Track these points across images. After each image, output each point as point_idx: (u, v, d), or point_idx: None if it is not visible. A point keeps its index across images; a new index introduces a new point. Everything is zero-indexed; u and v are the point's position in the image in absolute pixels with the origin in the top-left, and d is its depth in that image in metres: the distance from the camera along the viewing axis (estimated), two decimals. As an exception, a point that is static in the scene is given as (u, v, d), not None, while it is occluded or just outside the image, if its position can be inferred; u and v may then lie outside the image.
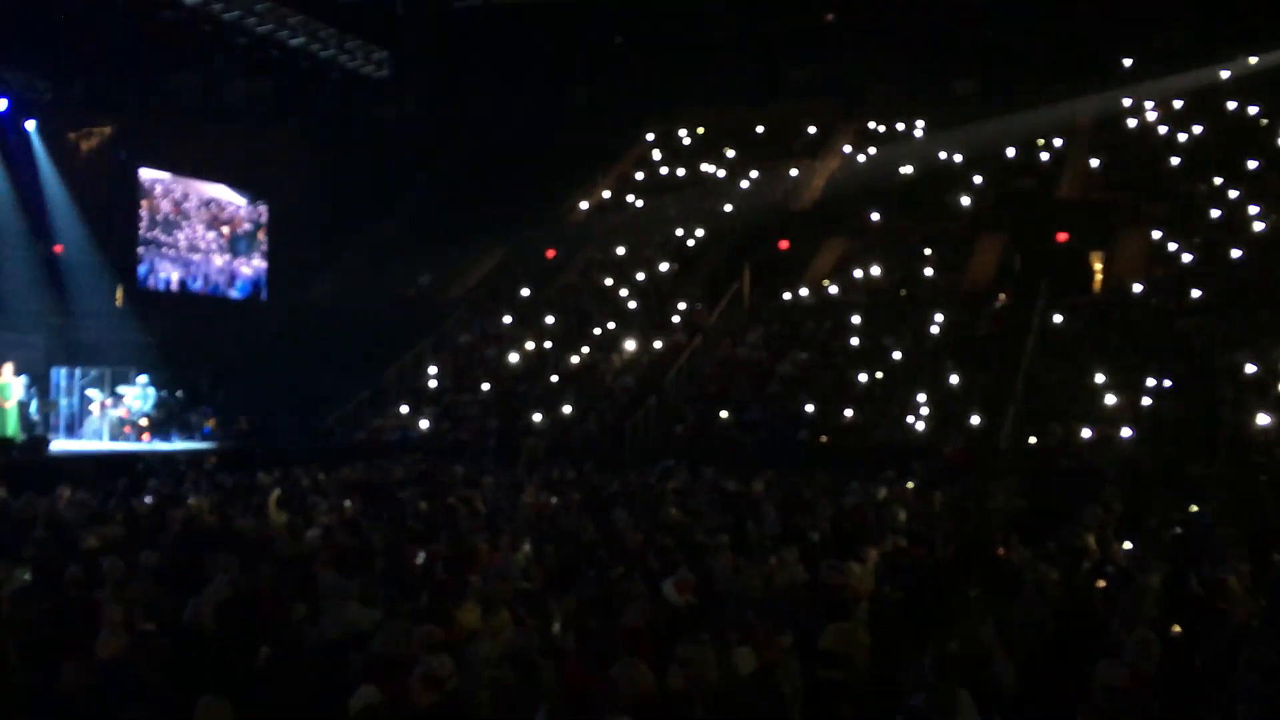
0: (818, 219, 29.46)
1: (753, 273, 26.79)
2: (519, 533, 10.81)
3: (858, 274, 26.21)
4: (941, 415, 19.91)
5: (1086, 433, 18.60)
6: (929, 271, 25.72)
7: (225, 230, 28.63)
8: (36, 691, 6.10)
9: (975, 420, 19.40)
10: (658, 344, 24.99)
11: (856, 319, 24.11)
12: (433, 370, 25.66)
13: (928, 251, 26.55)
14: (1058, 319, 22.73)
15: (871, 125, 33.55)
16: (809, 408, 21.03)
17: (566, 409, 22.59)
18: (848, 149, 32.79)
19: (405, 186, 29.94)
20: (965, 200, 28.22)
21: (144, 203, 26.45)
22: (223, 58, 23.37)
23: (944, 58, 32.54)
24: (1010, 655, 6.90)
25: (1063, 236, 25.97)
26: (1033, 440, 18.94)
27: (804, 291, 26.10)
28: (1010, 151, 29.93)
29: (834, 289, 26.06)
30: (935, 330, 23.10)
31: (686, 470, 16.85)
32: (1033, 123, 29.67)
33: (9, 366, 19.07)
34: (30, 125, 23.69)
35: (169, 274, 27.20)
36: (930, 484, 15.25)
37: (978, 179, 29.22)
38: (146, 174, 26.60)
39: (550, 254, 30.88)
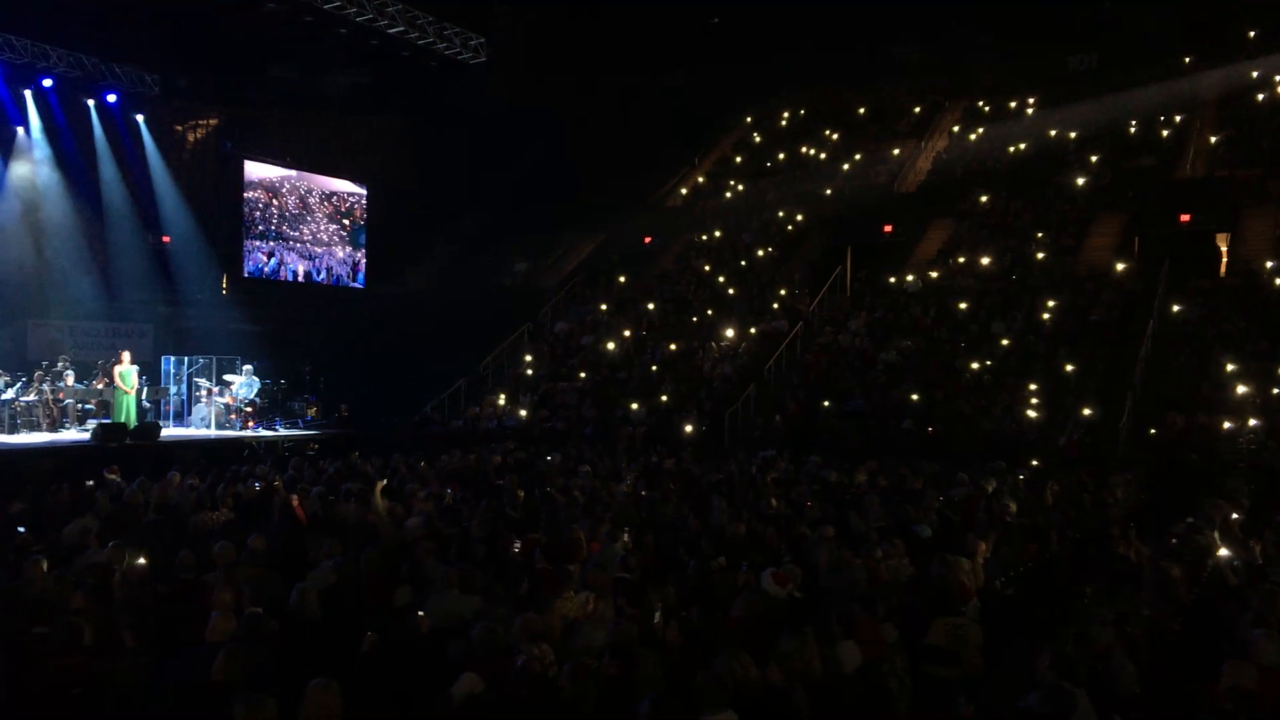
0: (923, 202, 28.83)
1: (855, 258, 26.29)
2: (618, 522, 10.74)
3: (965, 258, 25.52)
4: (1055, 405, 19.25)
5: (1212, 424, 17.78)
6: (1041, 255, 24.90)
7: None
8: (150, 672, 6.19)
9: (1091, 410, 18.71)
10: (754, 330, 24.71)
11: (964, 305, 23.50)
12: (529, 358, 25.80)
13: (1040, 234, 25.72)
14: (1179, 304, 21.79)
15: (980, 104, 32.70)
16: (914, 396, 20.55)
17: (664, 397, 22.48)
18: (955, 129, 32.00)
19: (502, 173, 30.13)
20: (1081, 180, 27.27)
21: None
22: (323, 48, 23.74)
23: (1059, 32, 31.47)
24: (1131, 654, 6.59)
25: (1185, 217, 24.88)
26: (1152, 431, 18.18)
27: (908, 277, 25.53)
28: (1129, 128, 28.84)
29: (940, 274, 25.42)
30: (1048, 316, 22.37)
31: (787, 460, 16.61)
32: (1153, 98, 28.53)
33: (127, 354, 19.71)
34: (139, 118, 24.44)
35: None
36: (1043, 476, 14.74)
37: (1094, 157, 28.23)
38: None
39: (647, 240, 30.82)
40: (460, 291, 28.63)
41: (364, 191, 29.51)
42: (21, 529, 10.20)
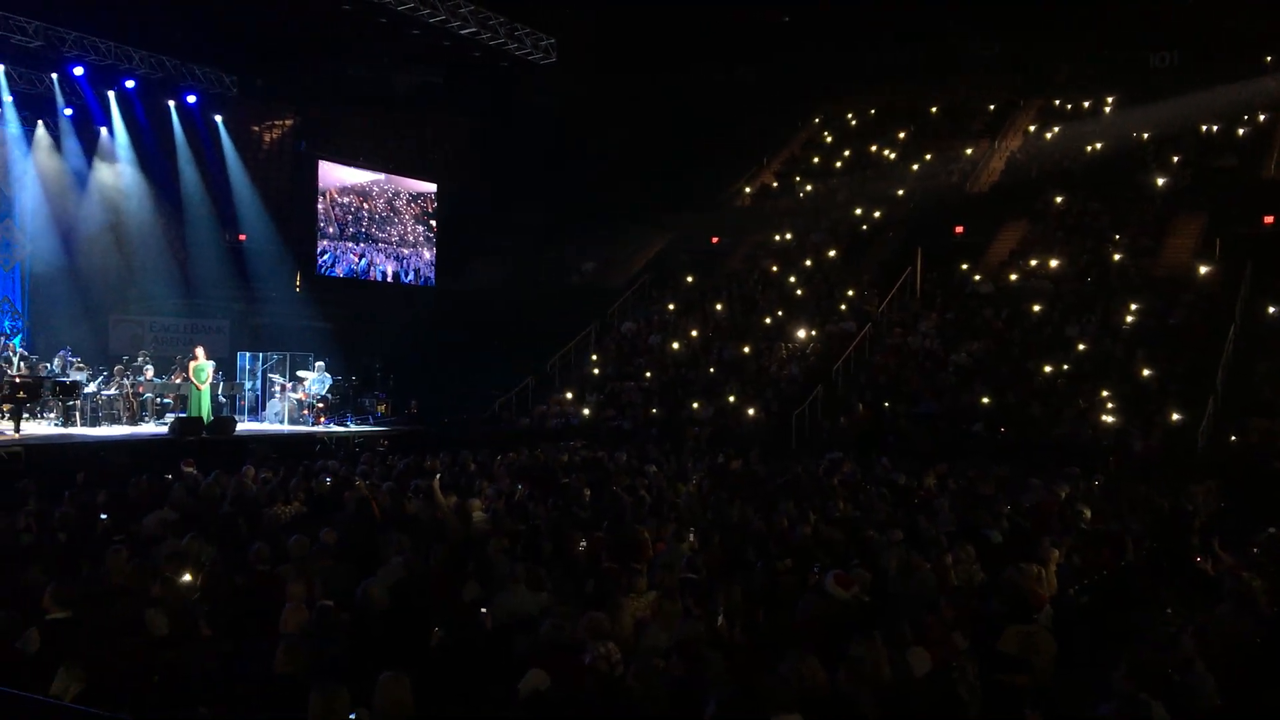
0: (996, 202, 28.43)
1: (925, 259, 25.98)
2: (684, 522, 10.73)
3: (1039, 260, 25.08)
4: (1132, 410, 18.84)
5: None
6: (1119, 257, 24.38)
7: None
8: (226, 661, 6.31)
9: (1170, 416, 18.28)
10: (818, 332, 24.54)
11: (1037, 307, 23.11)
12: (595, 357, 25.89)
13: (1118, 235, 25.19)
14: (1272, 306, 21.20)
15: (1056, 102, 32.13)
16: (985, 400, 20.25)
17: (730, 398, 22.42)
18: (1030, 128, 31.48)
19: (570, 173, 30.27)
20: (1160, 180, 26.64)
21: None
22: (396, 48, 24.05)
23: (1139, 29, 30.77)
24: (1210, 667, 6.42)
25: (1269, 219, 24.19)
26: (1234, 438, 17.70)
27: (980, 278, 25.16)
28: (1210, 127, 28.11)
29: (1013, 275, 25.01)
30: (1126, 319, 21.90)
31: (854, 462, 16.47)
32: (1235, 96, 27.80)
33: (201, 350, 20.14)
34: (218, 119, 24.97)
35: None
36: (1119, 482, 14.44)
37: (1174, 157, 27.59)
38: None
39: (715, 240, 30.76)
40: (529, 290, 28.85)
41: (434, 189, 29.99)
42: (105, 515, 10.48)
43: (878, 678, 6.03)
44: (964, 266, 25.78)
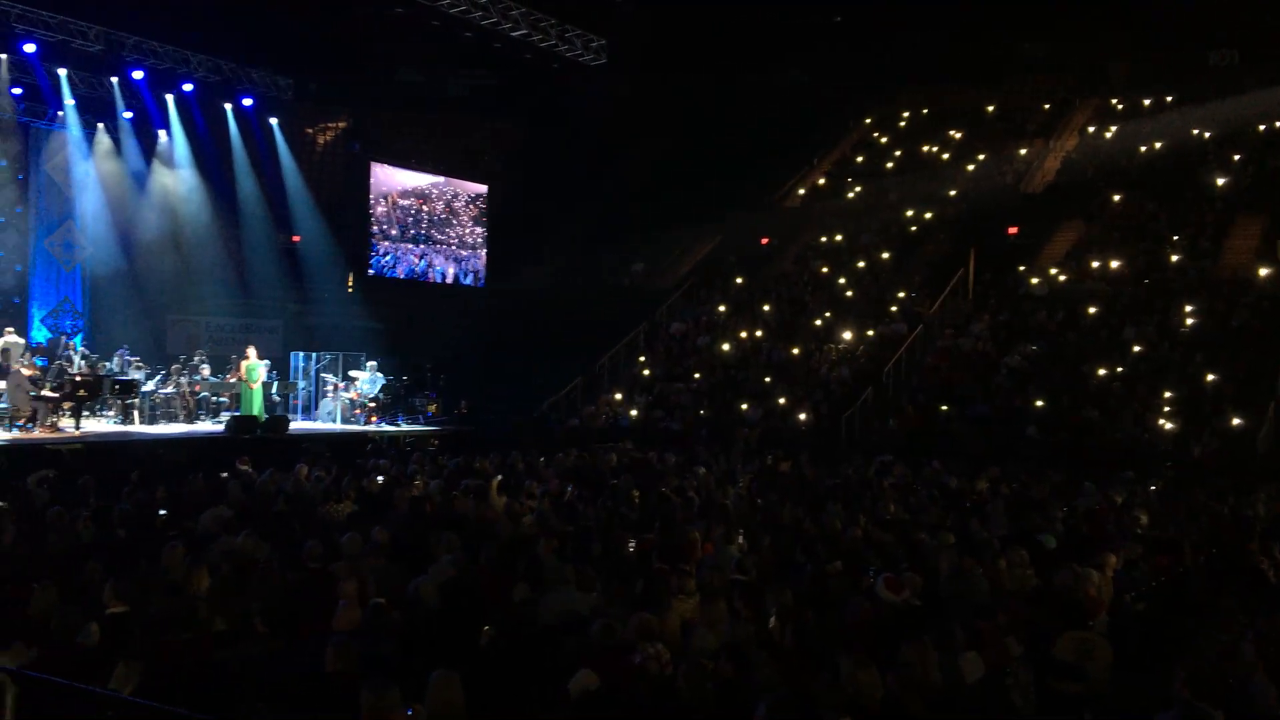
0: (1051, 202, 28.05)
1: (978, 260, 25.68)
2: (733, 524, 10.69)
3: (1095, 261, 24.71)
4: (1191, 414, 18.50)
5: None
6: (1177, 258, 23.94)
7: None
8: (279, 658, 6.38)
9: (1229, 420, 17.92)
10: (872, 333, 24.37)
11: (1093, 309, 22.76)
12: (644, 358, 25.90)
13: (1176, 236, 24.73)
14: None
15: (1113, 102, 31.63)
16: (1039, 403, 19.99)
17: (780, 399, 22.33)
18: (1087, 128, 31.03)
19: (620, 174, 30.34)
20: (1220, 180, 26.13)
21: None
22: (448, 51, 24.24)
23: (1198, 27, 30.20)
24: (1271, 675, 6.29)
25: (1331, 219, 23.66)
26: (1295, 443, 17.33)
27: (1034, 280, 24.84)
28: (1272, 126, 27.51)
29: (1068, 277, 24.66)
30: (1185, 321, 21.51)
31: (905, 465, 16.33)
32: (1296, 95, 27.22)
33: (253, 350, 20.43)
34: (273, 121, 25.31)
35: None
36: (1178, 488, 14.19)
37: (1235, 156, 27.04)
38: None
39: (765, 241, 30.65)
40: (578, 291, 28.93)
41: (485, 190, 30.25)
42: (163, 512, 10.66)
43: (928, 682, 5.97)
44: (1018, 268, 25.46)
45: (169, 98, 23.58)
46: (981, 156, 31.08)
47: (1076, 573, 8.07)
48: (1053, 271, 25.08)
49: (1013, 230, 27.04)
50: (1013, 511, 12.09)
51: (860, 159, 33.82)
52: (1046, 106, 32.89)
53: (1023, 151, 30.77)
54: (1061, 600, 7.80)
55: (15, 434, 16.74)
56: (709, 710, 5.65)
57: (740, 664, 5.99)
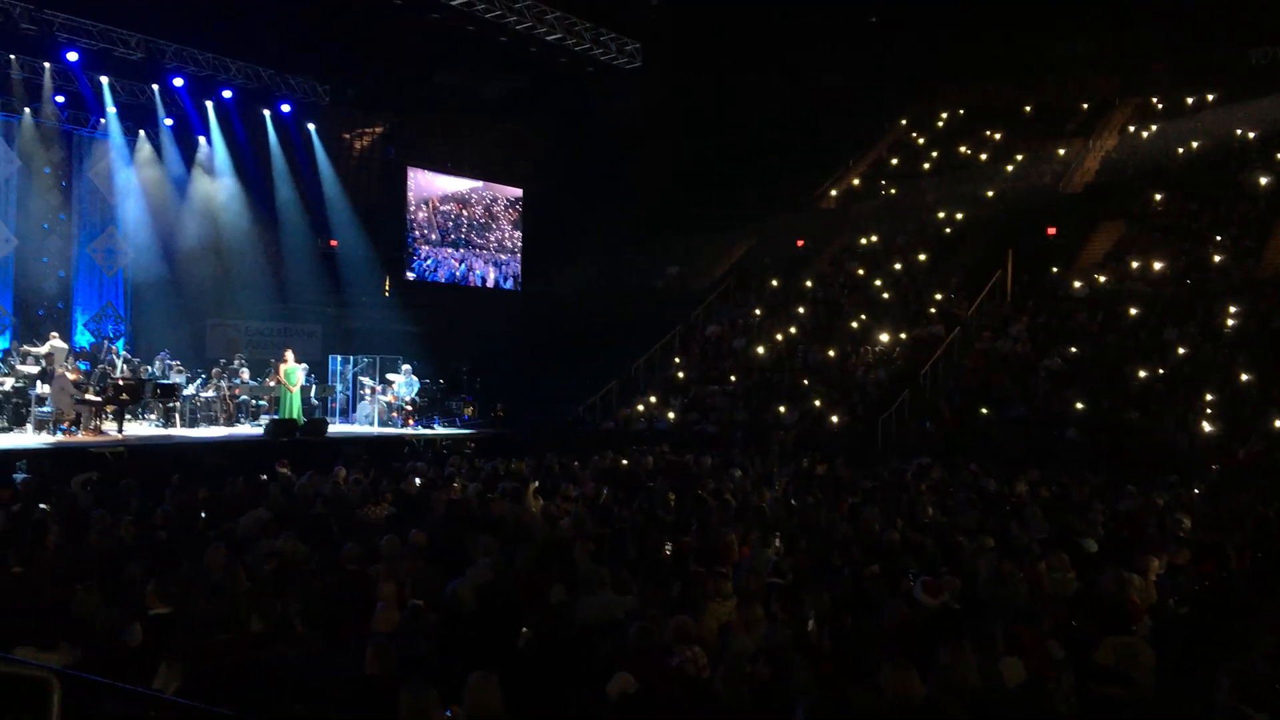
0: (1090, 202, 27.77)
1: (1016, 261, 25.46)
2: (769, 527, 10.66)
3: (1136, 261, 24.42)
4: (1234, 416, 18.23)
5: None
6: (1220, 258, 23.61)
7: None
8: (319, 659, 6.42)
9: (1273, 422, 17.65)
10: (909, 335, 24.21)
11: (1134, 310, 22.50)
12: (679, 360, 25.88)
13: (1219, 236, 24.40)
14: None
15: (1154, 100, 31.27)
16: (1078, 405, 19.78)
17: (816, 402, 22.24)
18: (1127, 127, 30.70)
19: (654, 177, 30.36)
20: (1263, 179, 25.74)
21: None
22: (483, 56, 24.33)
23: (1239, 25, 29.78)
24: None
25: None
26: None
27: (1073, 281, 24.59)
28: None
29: (1108, 277, 24.39)
30: (1227, 323, 21.20)
31: (942, 468, 16.21)
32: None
33: (290, 353, 20.60)
34: (311, 127, 25.53)
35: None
36: (1221, 491, 13.98)
37: (1278, 155, 26.62)
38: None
39: (800, 243, 30.55)
40: (613, 294, 28.98)
41: (520, 194, 30.39)
42: (204, 514, 10.77)
43: (967, 687, 5.92)
44: (1056, 269, 25.21)
45: (208, 104, 23.85)
46: (1020, 157, 30.84)
47: (1120, 576, 7.97)
48: (1093, 272, 24.81)
49: (1051, 231, 26.79)
50: (1053, 514, 11.97)
51: (896, 160, 33.64)
52: (1086, 106, 32.58)
53: (1061, 151, 30.49)
54: (1103, 604, 7.71)
55: (59, 437, 16.97)
56: (746, 713, 5.63)
57: (778, 667, 5.97)
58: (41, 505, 10.59)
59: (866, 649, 6.50)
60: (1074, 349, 21.90)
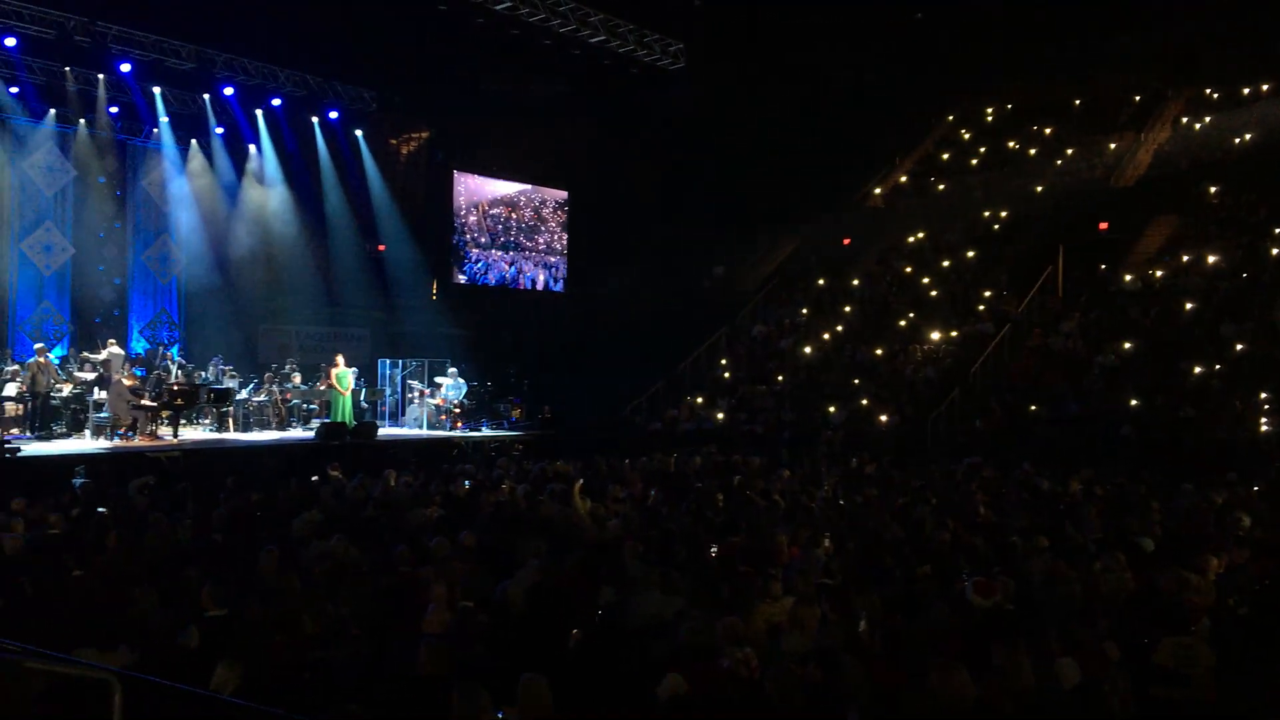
0: (1143, 196, 27.28)
1: (1067, 257, 25.10)
2: (819, 527, 10.60)
3: (1190, 255, 23.99)
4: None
5: None
6: (1277, 250, 23.13)
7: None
8: (372, 660, 6.48)
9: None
10: (958, 333, 23.97)
11: (1189, 305, 22.11)
12: (725, 361, 25.83)
13: (1277, 229, 23.89)
14: None
15: (1208, 91, 30.70)
16: (1133, 402, 19.47)
17: (864, 401, 22.09)
18: (1180, 119, 30.17)
19: (700, 177, 30.32)
20: (1325, 170, 25.18)
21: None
22: (527, 59, 24.43)
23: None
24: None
25: None
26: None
27: (1126, 276, 24.21)
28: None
29: (1162, 272, 23.99)
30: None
31: (994, 467, 16.03)
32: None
33: (341, 358, 20.82)
34: (358, 133, 25.80)
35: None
36: (1280, 488, 13.72)
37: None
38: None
39: (846, 242, 30.36)
40: (659, 295, 28.95)
41: (565, 196, 30.50)
42: (260, 514, 10.91)
43: (1021, 688, 5.85)
44: (1109, 264, 24.83)
45: (258, 113, 24.16)
46: (1070, 151, 30.41)
47: (1179, 576, 7.84)
48: (1146, 267, 24.42)
49: (1103, 226, 26.39)
50: (1108, 514, 11.81)
51: (944, 156, 33.32)
52: (1137, 98, 32.02)
53: (1112, 145, 30.02)
54: (1162, 605, 7.59)
55: (117, 442, 17.27)
56: (798, 715, 5.60)
57: (829, 669, 5.94)
58: (100, 509, 10.78)
59: (918, 650, 6.45)
60: (1128, 345, 21.56)
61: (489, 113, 26.64)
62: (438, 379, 22.66)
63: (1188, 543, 10.13)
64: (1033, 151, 31.37)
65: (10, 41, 19.37)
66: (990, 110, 34.14)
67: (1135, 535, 10.28)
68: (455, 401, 22.27)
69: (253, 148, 24.84)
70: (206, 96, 23.26)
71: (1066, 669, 6.25)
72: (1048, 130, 32.05)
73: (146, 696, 4.79)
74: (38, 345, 18.71)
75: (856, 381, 23.09)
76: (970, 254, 27.59)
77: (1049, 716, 5.79)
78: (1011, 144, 32.09)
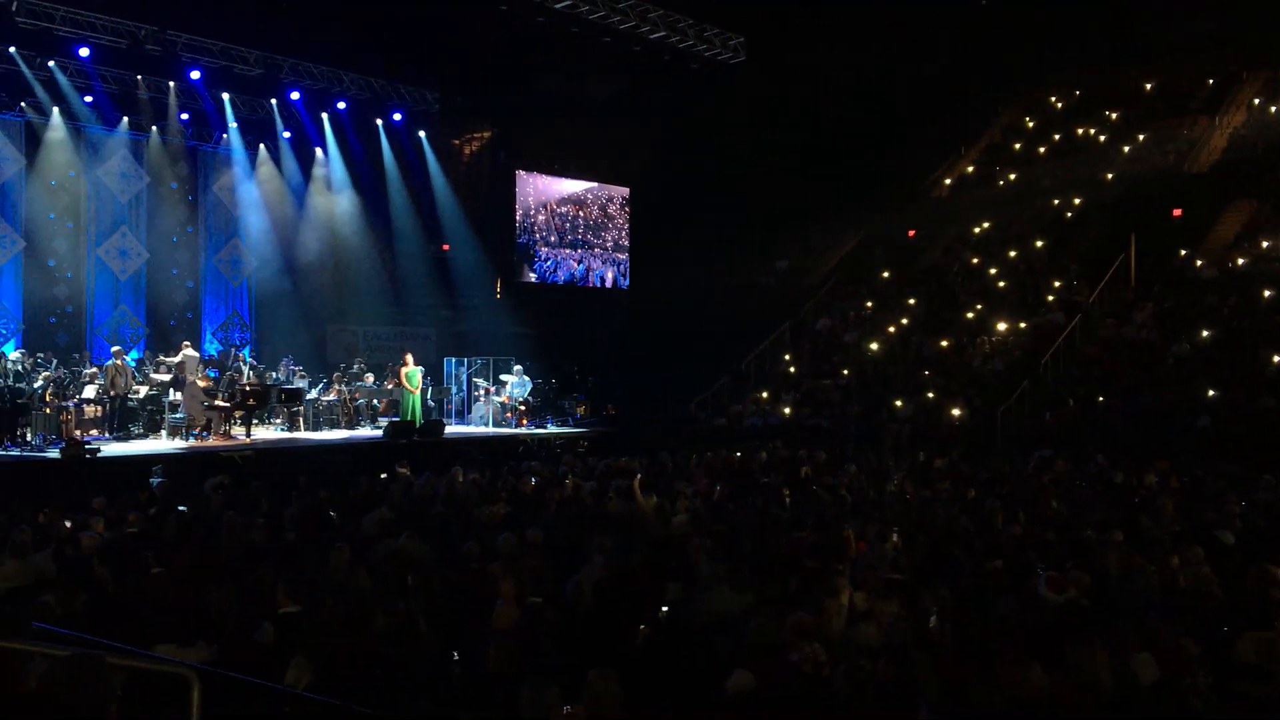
0: (1218, 182, 26.59)
1: (1140, 245, 24.55)
2: (887, 521, 10.49)
3: (1269, 241, 23.33)
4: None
5: None
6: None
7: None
8: (441, 656, 6.54)
9: None
10: (1026, 324, 23.56)
11: (1268, 292, 21.51)
12: (788, 356, 25.68)
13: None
14: None
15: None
16: (1210, 392, 18.99)
17: (930, 394, 21.82)
18: (1255, 101, 29.35)
19: (761, 170, 30.17)
20: None
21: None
22: (587, 57, 24.49)
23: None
24: None
25: None
26: None
27: (1201, 263, 23.62)
28: None
29: (1240, 259, 23.36)
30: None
31: (1066, 460, 15.74)
32: None
33: (410, 356, 21.05)
34: (422, 135, 26.06)
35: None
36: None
37: None
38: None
39: (911, 234, 30.01)
40: (722, 290, 28.89)
41: (627, 193, 30.56)
42: (333, 513, 11.07)
43: (1097, 685, 5.74)
44: (1183, 251, 24.25)
45: (324, 116, 24.52)
46: (1141, 137, 29.75)
47: (1261, 569, 7.64)
48: (1223, 254, 23.81)
49: (1177, 212, 25.76)
50: (1185, 506, 11.54)
51: (1011, 145, 32.78)
52: (1211, 82, 31.23)
53: (1185, 130, 29.30)
54: (1243, 599, 7.41)
55: (192, 442, 17.65)
56: (868, 711, 5.55)
57: (900, 664, 5.88)
58: (178, 508, 11.01)
59: (990, 646, 6.36)
60: (1204, 334, 21.04)
61: (550, 111, 26.76)
62: (503, 377, 22.82)
63: (1269, 535, 9.87)
64: (1102, 138, 30.74)
65: (84, 52, 19.88)
66: (1057, 97, 33.51)
67: (1214, 528, 10.03)
68: (520, 399, 22.41)
69: (319, 151, 25.23)
70: (274, 101, 23.65)
71: (1144, 665, 6.13)
72: (1114, 116, 31.39)
73: (224, 691, 4.88)
74: (115, 348, 19.18)
75: (921, 375, 22.81)
76: (1039, 243, 27.11)
77: (1127, 713, 5.68)
78: (1080, 131, 31.46)
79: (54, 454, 15.34)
